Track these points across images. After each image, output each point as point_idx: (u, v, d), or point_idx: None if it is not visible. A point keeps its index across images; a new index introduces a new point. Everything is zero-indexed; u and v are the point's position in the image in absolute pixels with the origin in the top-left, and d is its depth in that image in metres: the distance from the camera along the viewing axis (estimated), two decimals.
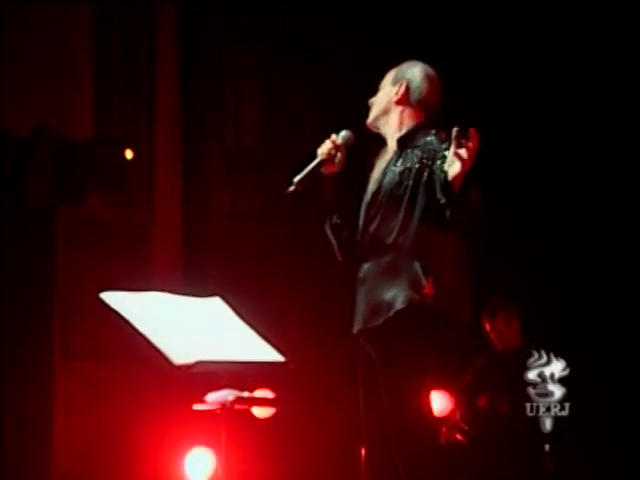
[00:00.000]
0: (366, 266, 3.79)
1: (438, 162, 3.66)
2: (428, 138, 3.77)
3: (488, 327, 6.18)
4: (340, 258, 3.88)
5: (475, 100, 6.41)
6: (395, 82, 3.91)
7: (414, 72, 3.91)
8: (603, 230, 6.47)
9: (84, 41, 6.34)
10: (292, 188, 3.74)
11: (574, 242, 6.50)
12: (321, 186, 3.86)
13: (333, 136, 3.86)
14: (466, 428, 5.97)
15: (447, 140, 3.63)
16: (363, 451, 3.94)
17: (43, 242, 5.76)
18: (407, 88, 3.88)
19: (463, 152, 3.47)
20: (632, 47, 6.43)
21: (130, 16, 6.56)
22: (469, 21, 6.53)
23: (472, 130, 3.48)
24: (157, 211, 6.35)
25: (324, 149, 3.82)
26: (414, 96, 3.88)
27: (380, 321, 3.69)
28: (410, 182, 3.71)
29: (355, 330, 3.78)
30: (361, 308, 3.78)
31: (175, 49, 6.67)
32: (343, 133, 3.87)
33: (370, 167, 3.93)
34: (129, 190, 6.15)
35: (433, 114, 3.91)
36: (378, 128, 3.92)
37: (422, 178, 3.70)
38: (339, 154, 3.84)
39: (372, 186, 3.85)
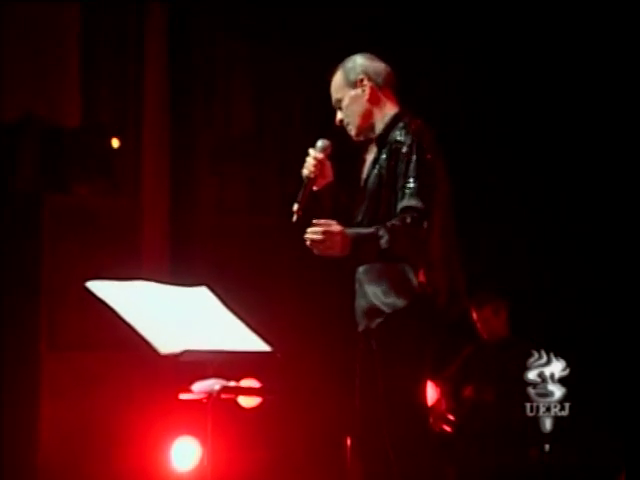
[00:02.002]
0: (361, 269, 3.81)
1: (400, 164, 3.66)
2: (396, 133, 3.73)
3: (475, 316, 6.22)
4: None
5: (476, 99, 6.43)
6: (352, 85, 3.82)
7: (360, 62, 3.85)
8: (602, 230, 6.48)
9: (72, 30, 6.32)
10: (295, 218, 3.70)
11: (574, 242, 6.52)
12: (320, 201, 3.86)
13: (312, 152, 3.82)
14: (452, 418, 6.00)
15: (413, 134, 3.66)
16: (348, 441, 3.96)
17: (30, 230, 5.73)
18: (370, 80, 3.82)
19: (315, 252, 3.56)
20: (631, 46, 6.44)
21: (118, 5, 6.54)
22: (467, 21, 6.53)
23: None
24: (144, 200, 6.33)
25: (310, 168, 3.79)
26: (379, 82, 3.83)
27: (378, 323, 3.72)
28: (383, 184, 3.71)
29: (359, 329, 3.81)
30: (360, 308, 3.81)
31: (164, 39, 6.65)
32: (320, 144, 3.83)
33: (362, 163, 3.91)
34: (116, 179, 6.13)
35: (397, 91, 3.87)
36: (366, 136, 3.86)
37: (392, 180, 3.70)
38: (324, 167, 3.83)
39: (362, 186, 3.85)
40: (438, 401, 5.98)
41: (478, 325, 6.25)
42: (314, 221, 3.60)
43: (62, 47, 6.27)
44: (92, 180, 5.96)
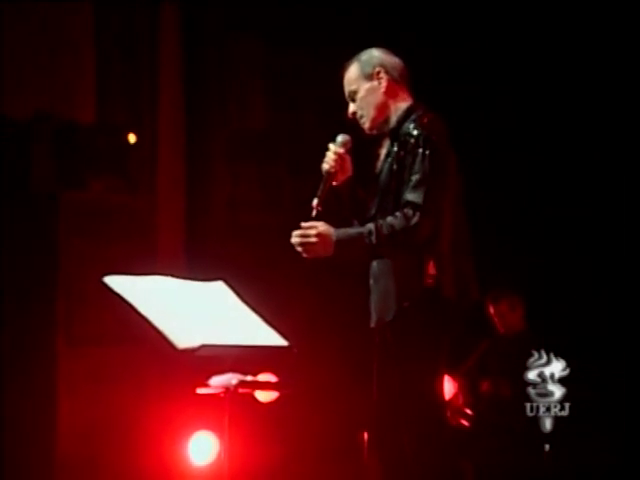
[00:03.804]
0: (374, 264, 3.81)
1: (408, 157, 3.66)
2: (407, 126, 3.72)
3: (492, 310, 6.23)
4: None
5: (482, 94, 6.42)
6: (368, 77, 3.81)
7: (377, 55, 3.85)
8: (603, 230, 6.46)
9: (86, 27, 6.33)
10: (314, 213, 3.70)
11: (574, 242, 6.50)
12: (340, 196, 3.85)
13: (332, 146, 3.81)
14: (469, 412, 5.99)
15: (423, 127, 3.65)
16: (365, 435, 3.95)
17: (46, 227, 5.76)
18: (386, 72, 3.81)
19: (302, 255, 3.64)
20: (631, 44, 6.42)
21: (132, 2, 6.56)
22: (470, 18, 6.53)
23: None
24: (160, 197, 6.35)
25: (330, 163, 3.78)
26: (395, 75, 3.83)
27: (390, 317, 3.71)
28: (393, 177, 3.71)
29: (372, 324, 3.82)
30: (374, 303, 3.81)
31: (177, 36, 6.66)
32: (340, 139, 3.82)
33: (377, 158, 3.90)
34: (132, 176, 6.15)
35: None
36: (380, 129, 3.84)
37: (401, 173, 3.69)
38: (344, 162, 3.82)
39: (376, 180, 3.85)
40: (455, 395, 5.98)
41: (495, 319, 6.26)
42: (301, 224, 3.64)
43: (76, 45, 6.29)
44: (107, 177, 5.98)
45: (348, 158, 3.84)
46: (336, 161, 3.79)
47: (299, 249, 3.66)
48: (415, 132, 3.67)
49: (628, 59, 6.43)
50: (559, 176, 6.61)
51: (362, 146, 3.92)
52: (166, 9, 6.61)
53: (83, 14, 6.31)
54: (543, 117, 6.58)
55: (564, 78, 6.53)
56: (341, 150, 3.81)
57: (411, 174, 3.64)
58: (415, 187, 3.62)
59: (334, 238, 3.63)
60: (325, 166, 3.80)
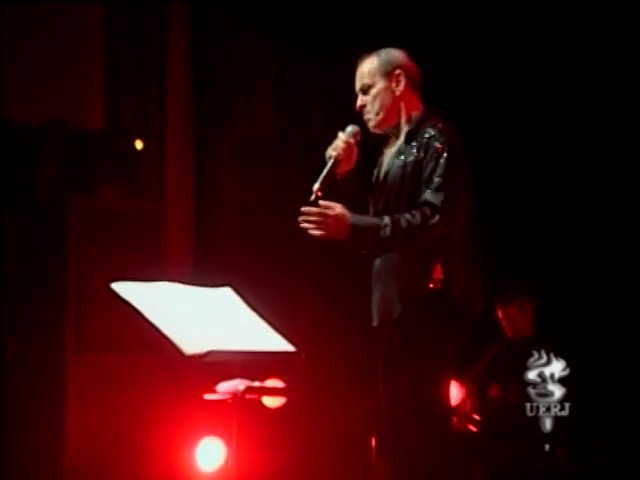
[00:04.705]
0: (378, 261, 3.80)
1: (430, 159, 3.66)
2: (428, 129, 3.72)
3: (501, 314, 6.18)
4: None
5: (483, 95, 6.42)
6: (386, 76, 3.79)
7: (399, 57, 3.82)
8: (603, 230, 6.45)
9: (96, 33, 6.36)
10: (313, 197, 3.66)
11: (574, 242, 6.49)
12: (341, 188, 3.82)
13: (341, 135, 3.78)
14: (477, 418, 5.98)
15: (446, 132, 3.66)
16: (373, 441, 3.95)
17: (55, 233, 5.77)
18: (405, 76, 3.80)
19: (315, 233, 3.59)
20: (632, 44, 6.42)
21: (142, 8, 6.57)
22: (470, 18, 6.53)
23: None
24: (168, 202, 6.36)
25: (338, 150, 3.75)
26: (412, 81, 3.82)
27: (394, 316, 3.71)
28: (406, 177, 3.71)
29: (374, 324, 3.81)
30: (376, 303, 3.81)
31: (186, 41, 6.67)
32: (350, 129, 3.79)
33: (380, 153, 3.90)
34: (140, 182, 6.17)
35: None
36: (384, 130, 3.84)
37: (417, 172, 3.69)
38: (351, 152, 3.80)
39: (381, 177, 3.84)
40: (463, 401, 5.96)
41: (503, 323, 6.23)
42: (320, 202, 3.59)
43: (85, 51, 6.31)
44: (116, 183, 6.00)
45: (355, 149, 3.82)
46: (344, 150, 3.76)
47: (312, 228, 3.58)
48: (439, 136, 3.68)
49: (629, 59, 6.42)
50: (558, 176, 6.61)
51: (367, 143, 3.91)
52: (175, 15, 6.63)
53: (92, 20, 6.33)
54: (545, 117, 6.57)
55: (564, 78, 6.52)
56: (351, 140, 3.79)
57: (432, 176, 3.65)
58: (437, 189, 3.63)
59: (350, 221, 3.60)
60: (332, 152, 3.75)
